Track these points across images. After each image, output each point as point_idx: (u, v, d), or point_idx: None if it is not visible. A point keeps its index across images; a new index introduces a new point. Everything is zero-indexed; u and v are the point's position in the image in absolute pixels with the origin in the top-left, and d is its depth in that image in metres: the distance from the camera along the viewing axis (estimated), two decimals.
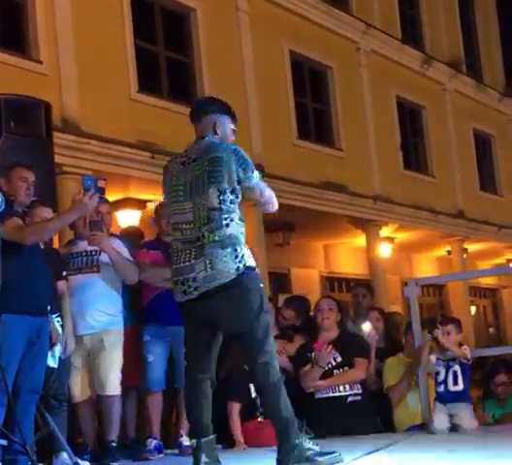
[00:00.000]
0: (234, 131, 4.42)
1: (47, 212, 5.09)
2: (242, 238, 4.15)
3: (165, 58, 11.69)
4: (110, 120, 10.32)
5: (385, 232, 15.32)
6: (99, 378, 5.36)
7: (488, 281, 20.18)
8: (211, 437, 4.06)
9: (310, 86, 14.39)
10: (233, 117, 4.44)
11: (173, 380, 5.61)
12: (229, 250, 4.06)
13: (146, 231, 6.77)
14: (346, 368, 6.10)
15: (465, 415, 5.71)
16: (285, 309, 6.88)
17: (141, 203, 10.94)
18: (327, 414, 5.93)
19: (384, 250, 15.28)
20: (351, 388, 6.06)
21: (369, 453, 4.42)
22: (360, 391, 6.08)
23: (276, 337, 6.51)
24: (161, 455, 5.46)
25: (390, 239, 15.83)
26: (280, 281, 14.73)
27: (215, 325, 4.15)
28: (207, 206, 4.10)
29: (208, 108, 4.41)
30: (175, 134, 10.17)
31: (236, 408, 5.71)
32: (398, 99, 16.33)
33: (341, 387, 6.06)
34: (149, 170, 10.10)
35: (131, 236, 6.67)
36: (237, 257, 4.06)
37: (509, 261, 19.36)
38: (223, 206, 4.09)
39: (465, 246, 17.40)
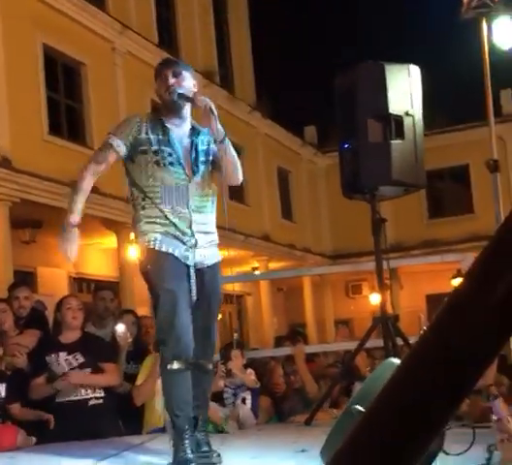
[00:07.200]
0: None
1: None
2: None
3: None
4: None
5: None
6: None
7: (234, 288, 20.59)
8: None
9: (64, 82, 13.96)
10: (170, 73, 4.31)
11: None
12: None
13: None
14: (88, 370, 5.88)
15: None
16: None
17: None
18: (67, 417, 5.69)
19: (134, 253, 15.06)
20: (93, 392, 5.86)
21: (107, 458, 4.26)
22: (102, 395, 5.89)
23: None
24: None
25: None
26: (26, 280, 14.08)
27: None
28: None
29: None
30: None
31: None
32: (153, 103, 16.26)
33: (83, 391, 5.84)
34: None
35: None
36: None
37: (254, 268, 19.92)
38: None
39: None
